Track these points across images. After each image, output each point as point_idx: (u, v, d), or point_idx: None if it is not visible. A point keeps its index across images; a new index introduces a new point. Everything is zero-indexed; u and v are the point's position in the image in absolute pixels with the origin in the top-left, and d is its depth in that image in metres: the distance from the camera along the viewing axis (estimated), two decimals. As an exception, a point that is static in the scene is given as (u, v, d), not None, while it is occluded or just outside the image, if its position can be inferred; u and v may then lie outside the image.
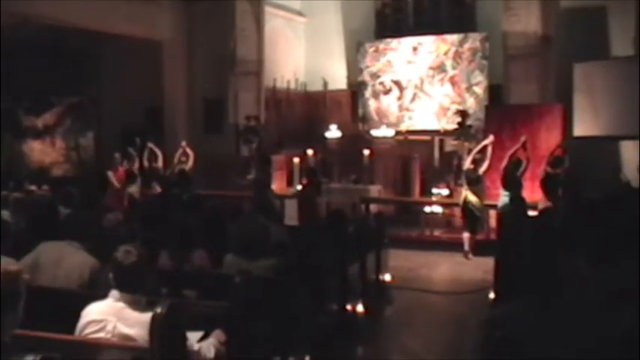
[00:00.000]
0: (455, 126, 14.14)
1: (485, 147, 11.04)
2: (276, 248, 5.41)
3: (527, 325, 3.96)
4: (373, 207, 13.04)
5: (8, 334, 2.75)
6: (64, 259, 4.75)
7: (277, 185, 13.72)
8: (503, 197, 10.16)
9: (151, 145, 12.58)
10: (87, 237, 5.05)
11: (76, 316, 3.66)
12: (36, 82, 14.54)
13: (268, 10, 16.08)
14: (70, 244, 4.88)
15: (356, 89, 16.80)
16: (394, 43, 16.35)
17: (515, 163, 10.22)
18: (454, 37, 15.64)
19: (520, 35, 13.35)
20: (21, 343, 2.88)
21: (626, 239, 4.30)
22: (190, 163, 12.33)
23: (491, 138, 11.08)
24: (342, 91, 17.20)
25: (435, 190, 13.62)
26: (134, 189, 12.22)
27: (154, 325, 3.38)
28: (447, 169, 13.99)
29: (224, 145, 14.97)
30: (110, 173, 12.38)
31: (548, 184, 9.57)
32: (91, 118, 16.21)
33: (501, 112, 13.33)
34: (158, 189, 11.89)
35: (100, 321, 3.56)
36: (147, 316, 3.44)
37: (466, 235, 11.09)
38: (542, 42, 13.20)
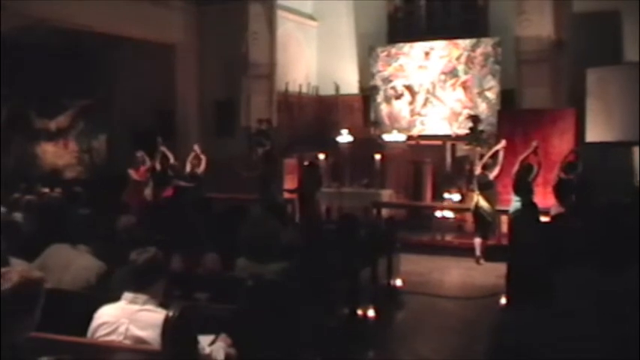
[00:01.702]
0: (467, 131, 14.14)
1: (497, 152, 11.03)
2: (287, 251, 5.42)
3: (539, 331, 3.95)
4: (385, 211, 13.03)
5: (24, 337, 2.78)
6: (70, 263, 4.76)
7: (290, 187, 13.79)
8: (514, 202, 10.16)
9: (163, 148, 12.61)
10: (96, 237, 5.07)
11: (89, 318, 3.68)
12: (48, 85, 14.62)
13: (280, 13, 16.11)
14: (77, 247, 4.89)
15: (368, 94, 16.78)
16: (406, 47, 16.33)
17: (526, 169, 10.21)
18: (466, 42, 15.61)
19: (533, 40, 13.32)
20: (35, 346, 2.90)
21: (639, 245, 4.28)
22: (202, 166, 12.35)
23: (503, 143, 11.07)
24: (353, 95, 17.20)
25: (446, 195, 13.60)
26: (147, 192, 12.29)
27: (166, 328, 3.39)
28: (459, 174, 13.96)
29: (236, 148, 14.98)
30: (131, 171, 12.47)
31: (561, 190, 9.56)
32: (103, 121, 16.29)
33: (513, 117, 13.28)
34: (182, 184, 12.02)
35: (113, 323, 3.57)
36: (159, 319, 3.45)
37: (477, 240, 11.05)
38: (554, 47, 13.16)
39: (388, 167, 14.48)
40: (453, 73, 15.78)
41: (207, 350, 3.74)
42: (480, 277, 10.11)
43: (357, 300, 6.64)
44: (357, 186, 14.26)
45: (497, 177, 10.90)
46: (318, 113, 17.26)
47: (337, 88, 16.77)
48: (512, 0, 13.76)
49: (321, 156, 13.92)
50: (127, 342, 3.53)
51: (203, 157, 12.47)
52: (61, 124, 15.84)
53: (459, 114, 15.58)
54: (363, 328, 6.79)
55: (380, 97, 16.55)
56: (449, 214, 13.14)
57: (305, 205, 11.75)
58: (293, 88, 16.46)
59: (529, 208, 9.67)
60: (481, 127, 13.98)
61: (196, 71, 15.98)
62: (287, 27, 16.81)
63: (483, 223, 11.00)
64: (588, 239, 4.54)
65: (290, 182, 14.09)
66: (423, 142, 15.23)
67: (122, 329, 3.55)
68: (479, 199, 10.92)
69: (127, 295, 3.63)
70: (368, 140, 15.48)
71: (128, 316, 3.57)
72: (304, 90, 16.93)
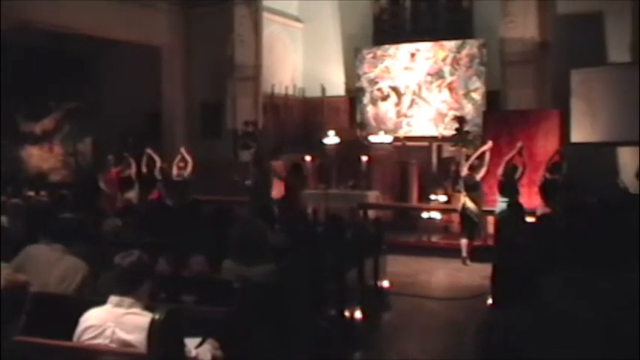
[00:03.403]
0: (453, 132, 14.20)
1: (483, 153, 11.07)
2: (275, 253, 5.41)
3: (525, 330, 3.97)
4: (371, 213, 13.04)
5: (10, 340, 2.77)
6: (53, 264, 4.69)
7: (275, 190, 13.73)
8: (500, 203, 10.20)
9: (149, 150, 12.57)
10: (81, 240, 5.02)
11: (75, 322, 3.66)
12: (34, 88, 14.54)
13: (266, 15, 16.11)
14: (53, 247, 4.80)
15: (354, 95, 16.83)
16: (392, 49, 16.39)
17: (512, 169, 10.27)
18: (452, 44, 15.68)
19: (517, 41, 13.39)
20: (20, 350, 2.89)
21: (625, 245, 4.30)
22: (189, 168, 12.31)
23: (489, 144, 11.11)
24: (340, 97, 17.23)
25: (432, 196, 13.63)
26: (132, 195, 12.23)
27: (152, 331, 3.38)
28: (445, 175, 14.00)
29: (222, 150, 14.97)
30: (100, 177, 12.48)
31: (546, 190, 9.61)
32: (89, 124, 16.21)
33: (499, 118, 13.33)
34: (169, 186, 12.01)
35: (99, 326, 3.55)
36: (145, 322, 3.43)
37: (464, 241, 11.08)
38: (539, 48, 13.24)
39: (374, 168, 14.48)
40: (438, 75, 15.84)
41: (194, 353, 3.73)
42: (467, 277, 10.14)
43: (344, 301, 6.65)
44: (343, 187, 14.25)
45: (483, 178, 10.94)
46: (305, 115, 17.28)
47: (323, 90, 16.78)
48: (497, 1, 13.83)
49: (308, 158, 13.91)
50: (113, 345, 3.52)
51: (189, 160, 12.43)
52: (46, 127, 15.76)
53: (445, 115, 15.65)
54: (350, 329, 6.80)
55: (366, 99, 16.59)
56: (435, 215, 13.17)
57: (289, 204, 11.69)
58: (279, 90, 16.48)
59: (515, 209, 9.70)
60: (467, 128, 14.05)
61: (182, 73, 15.97)
62: (273, 29, 16.82)
63: (470, 224, 11.02)
64: (574, 239, 4.56)
65: (276, 184, 14.07)
66: (409, 143, 15.26)
67: (108, 333, 3.53)
68: (466, 201, 10.94)
69: (113, 299, 3.61)
70: (354, 142, 15.49)
71: (114, 320, 3.55)
72: (290, 92, 16.96)
